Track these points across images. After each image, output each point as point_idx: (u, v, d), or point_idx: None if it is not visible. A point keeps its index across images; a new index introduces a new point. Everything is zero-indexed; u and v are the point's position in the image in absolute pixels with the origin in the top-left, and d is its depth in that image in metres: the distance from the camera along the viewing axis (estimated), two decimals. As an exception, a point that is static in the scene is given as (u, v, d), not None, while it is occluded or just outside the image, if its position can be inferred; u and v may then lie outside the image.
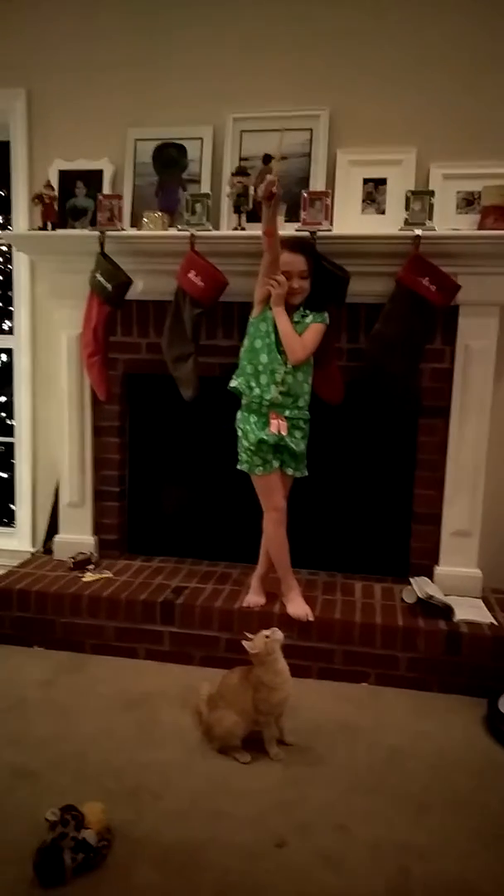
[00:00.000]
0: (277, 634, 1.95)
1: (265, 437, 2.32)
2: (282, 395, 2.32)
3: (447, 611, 2.37)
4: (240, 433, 2.39)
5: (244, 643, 1.92)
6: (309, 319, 2.34)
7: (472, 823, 1.70)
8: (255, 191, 2.23)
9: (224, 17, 2.66)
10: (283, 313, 2.29)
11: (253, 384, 2.33)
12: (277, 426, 2.33)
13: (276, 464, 2.38)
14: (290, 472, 2.41)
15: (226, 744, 1.94)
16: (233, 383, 2.37)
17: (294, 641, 2.35)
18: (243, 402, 2.38)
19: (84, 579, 2.65)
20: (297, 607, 2.39)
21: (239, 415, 2.40)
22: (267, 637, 1.92)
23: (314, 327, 2.33)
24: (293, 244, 2.29)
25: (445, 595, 2.46)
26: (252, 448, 2.35)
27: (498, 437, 2.56)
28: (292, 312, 2.33)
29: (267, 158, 2.66)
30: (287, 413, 2.35)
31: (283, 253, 2.26)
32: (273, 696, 1.91)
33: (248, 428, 2.35)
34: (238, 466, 2.41)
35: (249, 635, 1.95)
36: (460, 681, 2.28)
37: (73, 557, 2.77)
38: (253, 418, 2.35)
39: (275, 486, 2.39)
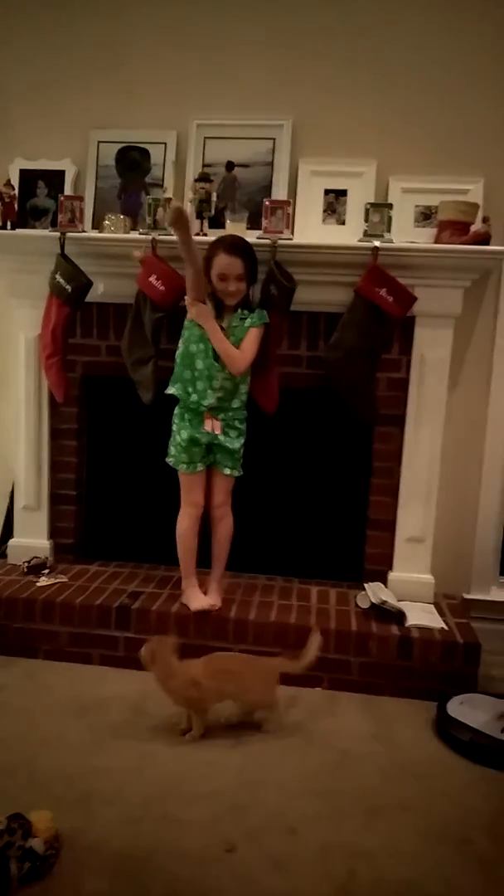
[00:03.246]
0: None
1: (197, 436, 2.36)
2: (218, 400, 2.36)
3: (399, 616, 2.41)
4: (174, 428, 2.43)
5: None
6: (248, 323, 2.36)
7: (419, 825, 1.73)
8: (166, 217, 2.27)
9: (190, 23, 2.66)
10: (215, 329, 2.31)
11: (190, 390, 2.37)
12: (212, 425, 2.37)
13: (200, 466, 2.42)
14: (227, 472, 2.44)
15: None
16: (170, 390, 2.41)
17: (249, 647, 2.37)
18: (181, 402, 2.43)
19: (38, 584, 2.61)
20: (197, 602, 2.43)
21: (176, 410, 2.44)
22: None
23: (252, 333, 2.35)
24: (229, 246, 2.29)
25: (399, 600, 2.50)
26: (182, 445, 2.39)
27: (451, 445, 2.62)
28: (229, 314, 2.35)
29: (230, 165, 2.68)
30: (221, 416, 2.39)
31: (220, 255, 2.27)
32: None
33: (182, 424, 2.40)
34: (166, 459, 2.45)
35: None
36: (411, 685, 2.32)
37: (27, 561, 2.73)
38: (188, 416, 2.40)
39: (196, 485, 2.45)
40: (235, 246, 2.31)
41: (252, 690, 2.05)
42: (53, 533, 2.84)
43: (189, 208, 2.59)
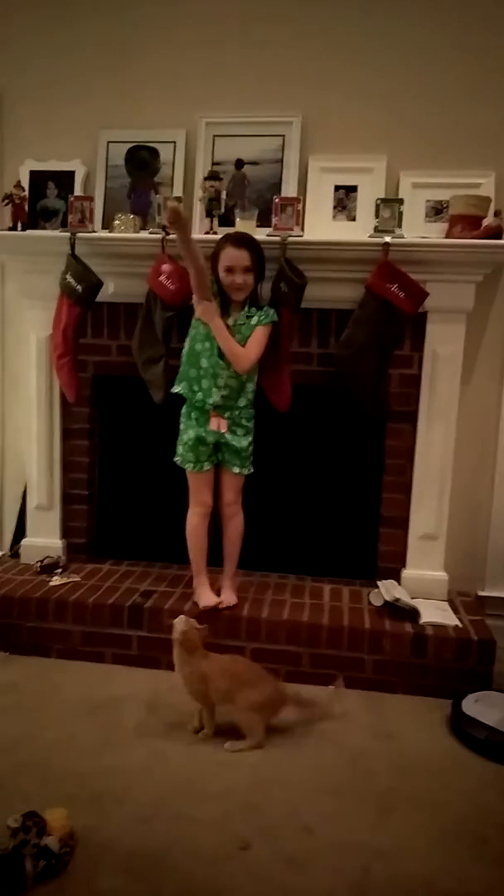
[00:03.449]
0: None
1: (203, 434, 2.36)
2: (223, 399, 2.35)
3: (413, 613, 2.40)
4: (181, 427, 2.44)
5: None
6: (254, 321, 2.35)
7: (433, 823, 1.72)
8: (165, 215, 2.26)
9: (198, 21, 2.66)
10: (220, 327, 2.30)
11: (196, 388, 2.37)
12: (217, 424, 2.37)
13: (208, 465, 2.42)
14: (235, 470, 2.43)
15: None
16: (175, 389, 2.41)
17: (262, 645, 2.36)
18: (187, 401, 2.43)
19: (51, 583, 2.62)
20: (207, 599, 2.42)
21: (183, 409, 2.45)
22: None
23: (259, 332, 2.34)
24: (236, 239, 2.30)
25: (412, 598, 2.48)
26: (189, 444, 2.39)
27: (464, 441, 2.60)
28: (237, 311, 2.35)
29: (239, 163, 2.68)
30: (227, 414, 2.38)
31: (227, 248, 2.28)
32: None
33: (189, 423, 2.40)
34: (174, 459, 2.45)
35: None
36: (425, 682, 2.30)
37: (40, 561, 2.74)
38: (194, 414, 2.40)
39: (203, 484, 2.44)
40: (242, 239, 2.31)
41: (245, 706, 1.97)
42: (66, 532, 2.85)
43: (199, 206, 2.60)
